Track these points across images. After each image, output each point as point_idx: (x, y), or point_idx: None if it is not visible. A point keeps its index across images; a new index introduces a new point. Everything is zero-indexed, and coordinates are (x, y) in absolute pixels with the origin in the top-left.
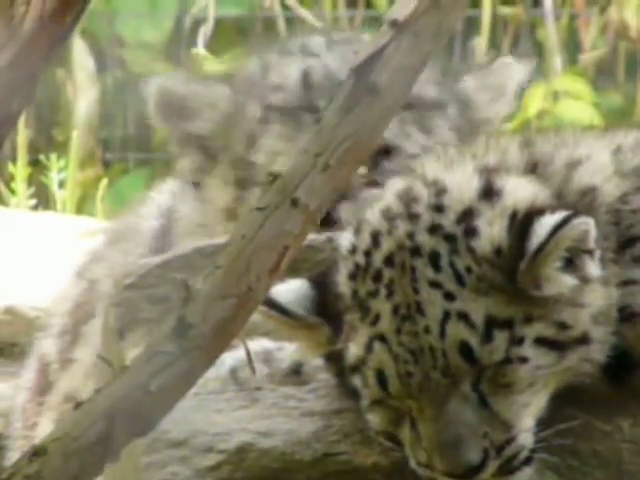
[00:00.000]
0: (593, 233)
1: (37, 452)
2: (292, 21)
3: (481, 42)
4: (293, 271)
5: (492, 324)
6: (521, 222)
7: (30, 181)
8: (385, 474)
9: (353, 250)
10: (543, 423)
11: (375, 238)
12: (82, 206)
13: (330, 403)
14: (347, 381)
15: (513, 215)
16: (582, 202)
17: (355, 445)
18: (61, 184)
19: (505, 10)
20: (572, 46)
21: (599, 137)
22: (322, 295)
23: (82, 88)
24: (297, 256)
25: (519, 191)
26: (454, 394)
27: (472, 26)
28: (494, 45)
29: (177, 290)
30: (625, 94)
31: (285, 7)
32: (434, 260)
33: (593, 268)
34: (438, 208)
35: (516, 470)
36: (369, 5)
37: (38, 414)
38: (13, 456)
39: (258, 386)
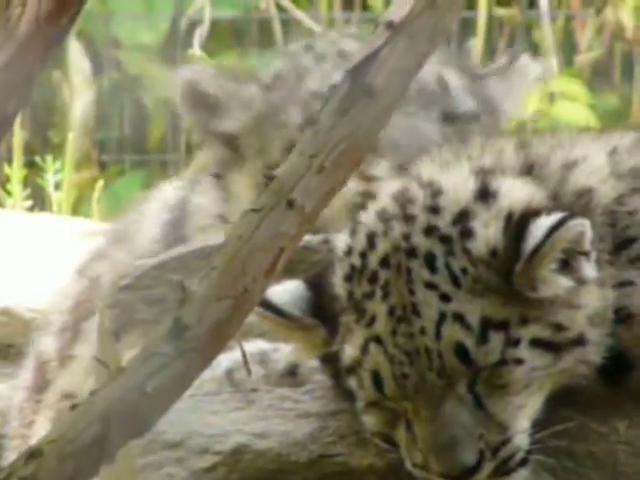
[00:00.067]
0: (589, 234)
1: (33, 454)
2: (288, 23)
3: (477, 43)
4: (289, 272)
5: (488, 325)
6: (517, 223)
7: (26, 182)
8: (381, 476)
9: (349, 251)
10: (539, 424)
11: (371, 239)
12: (78, 207)
13: (326, 405)
14: (343, 383)
15: (509, 216)
16: (578, 203)
17: (351, 447)
18: (57, 186)
19: (501, 11)
20: (568, 47)
21: (595, 138)
22: (318, 296)
23: (78, 90)
24: (293, 257)
25: (515, 192)
26: (450, 395)
27: (468, 27)
28: (490, 46)
29: (173, 291)
30: (621, 95)
31: (281, 9)
32: (430, 261)
33: (589, 270)
34: (434, 209)
35: (512, 471)
36: (365, 7)
37: (35, 412)
38: (10, 456)
39: (254, 387)
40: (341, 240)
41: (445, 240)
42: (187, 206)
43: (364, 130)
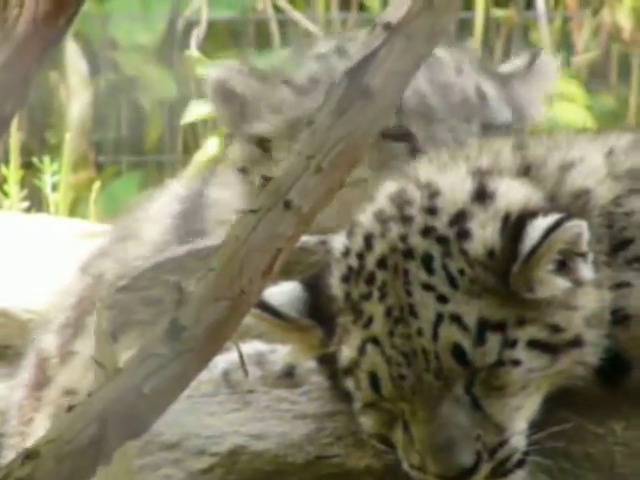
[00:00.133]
0: (586, 236)
1: (29, 455)
2: (285, 24)
3: (474, 44)
4: (286, 273)
5: (485, 326)
6: (514, 225)
7: (23, 183)
8: (378, 477)
9: (346, 252)
10: (536, 426)
11: (368, 241)
12: (75, 209)
13: (323, 406)
14: (340, 384)
15: (506, 218)
16: (575, 205)
17: (348, 448)
18: (54, 187)
19: (498, 12)
20: (565, 48)
21: (592, 140)
22: (315, 297)
23: (75, 91)
24: (290, 258)
25: (512, 194)
26: (447, 397)
27: (465, 28)
28: (487, 47)
29: (170, 292)
30: (618, 96)
31: (278, 10)
32: (427, 262)
33: (586, 271)
34: (431, 210)
35: (509, 473)
36: (362, 8)
37: (35, 410)
38: (9, 454)
39: (251, 389)
40: (338, 241)
41: (442, 241)
42: (203, 199)
43: (361, 131)
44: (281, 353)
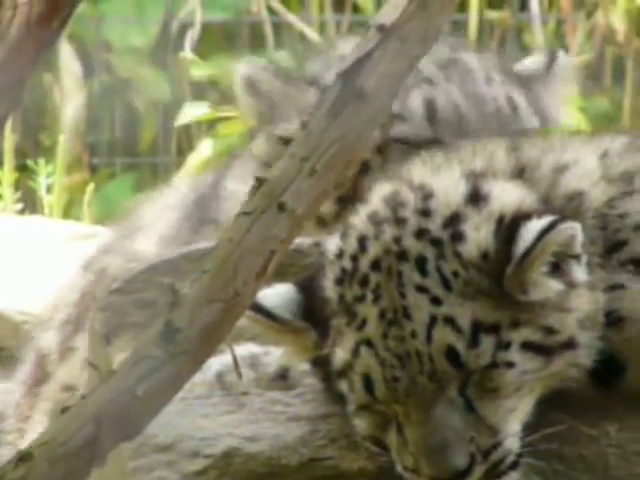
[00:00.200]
0: (580, 238)
1: (23, 457)
2: (279, 26)
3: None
4: (280, 275)
5: (479, 329)
6: (508, 227)
7: (17, 185)
8: (371, 479)
9: (340, 254)
10: (530, 428)
11: (362, 242)
12: (69, 211)
13: (317, 408)
14: (334, 386)
15: (500, 220)
16: (569, 207)
17: (342, 450)
18: (48, 189)
19: (492, 14)
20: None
21: (586, 142)
22: (309, 300)
23: (69, 93)
24: (284, 260)
25: (506, 196)
26: (440, 399)
27: (459, 30)
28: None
29: (164, 294)
30: (612, 99)
31: (272, 12)
32: (421, 265)
33: (580, 273)
34: (425, 213)
35: (503, 475)
36: (356, 10)
37: (32, 406)
38: (6, 451)
39: (244, 391)
40: (332, 243)
41: (436, 243)
42: (219, 190)
43: (355, 133)
44: (275, 355)
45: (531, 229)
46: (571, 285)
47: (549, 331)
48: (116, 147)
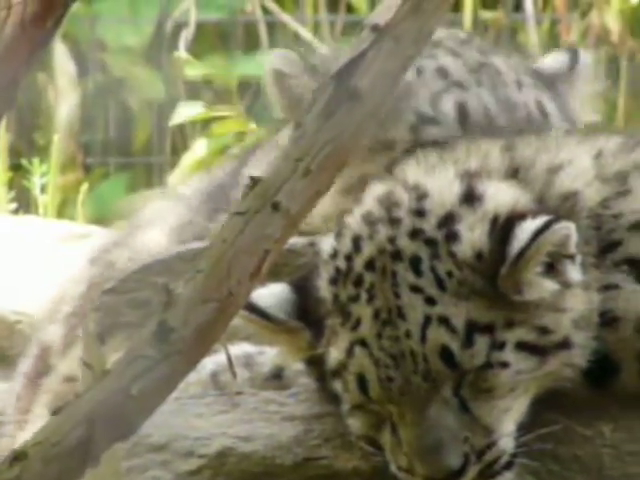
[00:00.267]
0: (574, 238)
1: (17, 457)
2: (273, 25)
3: None
4: (274, 275)
5: (473, 329)
6: (502, 227)
7: (11, 185)
8: (365, 478)
9: (334, 254)
10: (524, 428)
11: (356, 242)
12: (63, 210)
13: (311, 407)
14: (328, 385)
15: (494, 220)
16: (563, 207)
17: (336, 450)
18: (42, 188)
19: (486, 14)
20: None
21: (580, 142)
22: (303, 299)
23: (63, 92)
24: (278, 260)
25: (500, 196)
26: (435, 399)
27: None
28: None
29: (158, 294)
30: (606, 99)
31: (266, 11)
32: (415, 265)
33: (574, 273)
34: (419, 213)
35: (497, 475)
36: (350, 10)
37: (33, 398)
38: (3, 443)
39: (239, 390)
40: (326, 243)
41: (430, 243)
42: (239, 179)
43: (349, 133)
44: (269, 355)
45: (526, 229)
46: (566, 285)
47: (543, 331)
48: (110, 147)
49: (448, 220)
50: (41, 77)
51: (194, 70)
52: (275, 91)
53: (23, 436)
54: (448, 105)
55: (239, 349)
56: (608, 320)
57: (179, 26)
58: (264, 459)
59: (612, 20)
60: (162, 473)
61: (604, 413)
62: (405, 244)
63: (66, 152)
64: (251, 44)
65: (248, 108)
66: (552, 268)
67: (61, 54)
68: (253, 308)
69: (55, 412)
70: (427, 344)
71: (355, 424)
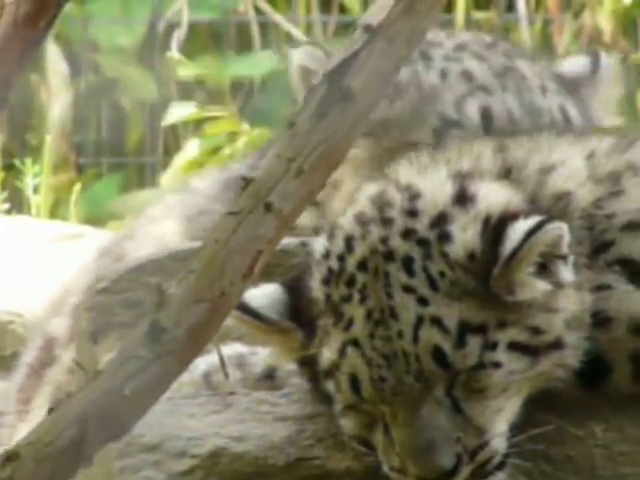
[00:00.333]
0: (567, 238)
1: (10, 456)
2: (266, 26)
3: None
4: (267, 275)
5: (465, 329)
6: (494, 227)
7: (3, 185)
8: (358, 479)
9: (327, 255)
10: (516, 428)
11: (348, 243)
12: (56, 211)
13: (303, 408)
14: (320, 386)
15: (486, 220)
16: (556, 207)
17: (328, 450)
18: (35, 189)
19: (479, 15)
20: (546, 51)
21: (573, 142)
22: (295, 300)
23: (56, 92)
24: (271, 261)
25: (492, 196)
26: (427, 399)
27: (446, 30)
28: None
29: (151, 294)
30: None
31: (259, 12)
32: (407, 265)
33: (566, 273)
34: (412, 213)
35: (489, 475)
36: (343, 10)
37: (35, 389)
38: (6, 433)
39: (231, 391)
40: (319, 243)
41: (423, 243)
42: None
43: (342, 133)
44: (262, 355)
45: (518, 229)
46: (558, 285)
47: (536, 331)
48: (103, 147)
49: (440, 220)
50: (34, 77)
51: (186, 70)
52: (301, 87)
53: (23, 427)
54: (472, 109)
55: (232, 349)
56: (600, 320)
57: (171, 26)
58: (256, 459)
59: (604, 20)
60: (154, 473)
61: (596, 413)
62: (397, 244)
63: (58, 152)
64: (244, 44)
65: (240, 108)
66: (544, 268)
67: (54, 54)
68: (245, 308)
69: (49, 412)
70: (419, 344)
71: (347, 424)
